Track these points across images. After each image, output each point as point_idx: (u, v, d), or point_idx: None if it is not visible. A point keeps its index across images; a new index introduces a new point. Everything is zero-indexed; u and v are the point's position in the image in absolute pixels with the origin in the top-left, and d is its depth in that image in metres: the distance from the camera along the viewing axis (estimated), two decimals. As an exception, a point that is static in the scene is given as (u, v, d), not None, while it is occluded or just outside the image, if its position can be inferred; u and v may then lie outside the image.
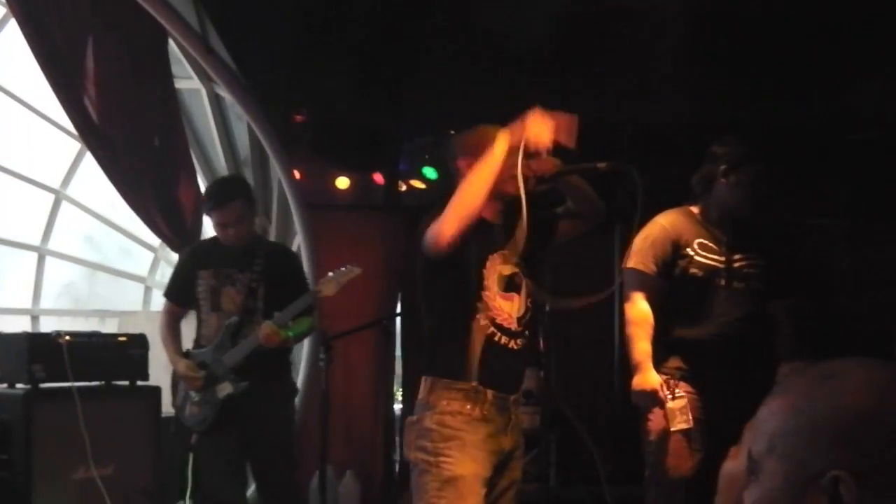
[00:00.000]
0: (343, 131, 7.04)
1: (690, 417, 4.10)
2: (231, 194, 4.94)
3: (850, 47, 5.84)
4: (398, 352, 7.01)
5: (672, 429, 4.11)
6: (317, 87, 6.70)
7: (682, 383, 4.16)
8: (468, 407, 3.39)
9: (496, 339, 3.47)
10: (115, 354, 5.41)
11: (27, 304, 7.39)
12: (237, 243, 4.93)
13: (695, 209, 4.32)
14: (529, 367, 4.22)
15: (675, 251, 4.21)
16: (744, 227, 4.30)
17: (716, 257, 4.23)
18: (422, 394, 3.49)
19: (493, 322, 3.46)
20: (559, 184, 3.58)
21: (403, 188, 7.22)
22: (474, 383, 3.41)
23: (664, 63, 6.05)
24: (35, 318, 7.40)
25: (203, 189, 7.06)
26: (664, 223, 4.27)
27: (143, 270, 8.06)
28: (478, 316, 3.45)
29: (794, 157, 6.13)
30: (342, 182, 7.07)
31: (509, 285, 3.53)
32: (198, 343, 5.04)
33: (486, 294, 3.47)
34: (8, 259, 7.35)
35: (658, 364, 4.19)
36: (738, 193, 4.21)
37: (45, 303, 7.57)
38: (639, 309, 4.19)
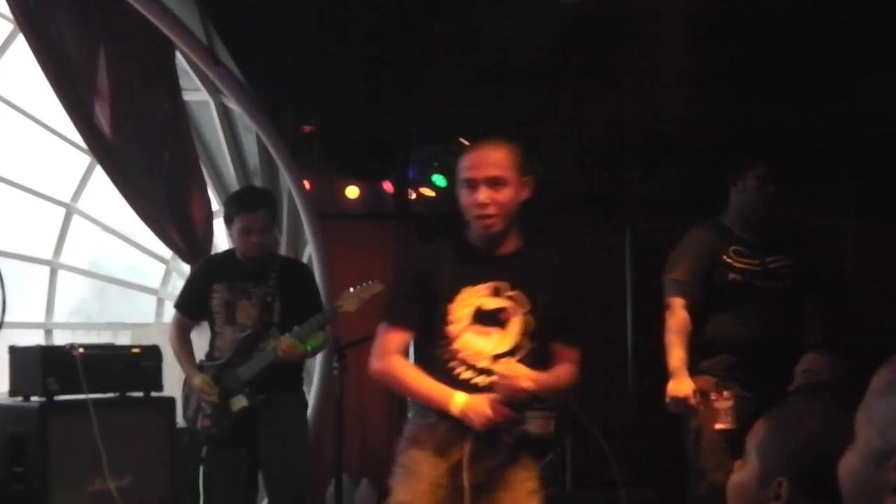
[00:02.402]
0: (352, 141, 7.05)
1: (734, 420, 4.14)
2: (261, 202, 4.98)
3: (855, 46, 5.85)
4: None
5: (713, 427, 4.19)
6: (325, 96, 6.72)
7: (731, 385, 4.27)
8: (424, 436, 3.41)
9: (455, 372, 3.35)
10: (129, 366, 5.44)
11: (40, 318, 7.41)
12: (257, 253, 4.90)
13: (725, 220, 4.56)
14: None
15: (712, 261, 4.42)
16: (769, 230, 4.54)
17: (751, 261, 4.44)
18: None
19: (455, 356, 3.35)
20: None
21: (413, 196, 7.24)
22: (433, 419, 3.37)
23: (671, 68, 6.07)
24: (48, 332, 7.42)
25: (220, 199, 7.10)
26: (699, 236, 4.51)
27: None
28: (439, 349, 3.37)
29: (802, 157, 6.14)
30: (352, 191, 7.08)
31: (488, 319, 3.36)
32: (210, 355, 5.02)
33: (449, 329, 3.35)
34: (20, 274, 7.37)
35: (705, 362, 4.36)
36: (748, 197, 4.48)
37: (58, 320, 7.59)
38: (678, 317, 4.38)
